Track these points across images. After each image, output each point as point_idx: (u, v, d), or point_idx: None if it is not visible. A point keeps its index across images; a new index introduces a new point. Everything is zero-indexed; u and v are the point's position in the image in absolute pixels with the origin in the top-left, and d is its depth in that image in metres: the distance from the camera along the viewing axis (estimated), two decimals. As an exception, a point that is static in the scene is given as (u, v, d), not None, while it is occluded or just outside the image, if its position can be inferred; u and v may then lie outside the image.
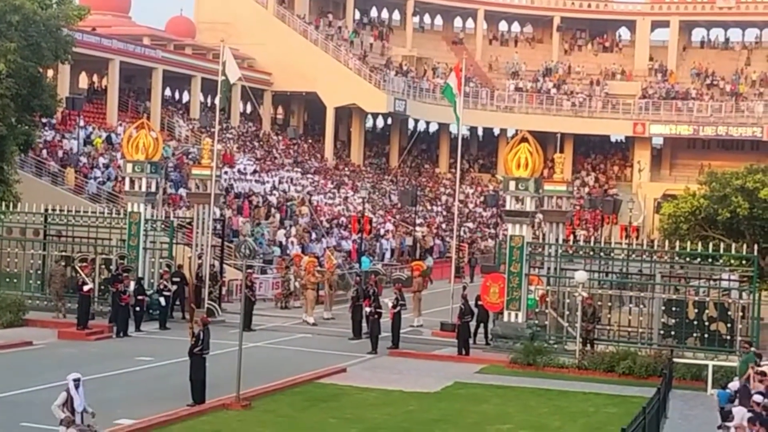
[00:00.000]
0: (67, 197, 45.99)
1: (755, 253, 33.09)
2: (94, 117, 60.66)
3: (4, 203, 39.40)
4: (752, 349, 26.86)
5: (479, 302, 35.54)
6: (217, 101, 45.00)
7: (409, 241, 62.05)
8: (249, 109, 75.79)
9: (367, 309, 34.30)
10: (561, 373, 30.96)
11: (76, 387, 18.52)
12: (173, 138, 63.01)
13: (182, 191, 50.73)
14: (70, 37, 43.60)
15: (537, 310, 35.24)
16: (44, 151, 50.97)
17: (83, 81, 67.21)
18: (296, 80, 74.56)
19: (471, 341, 34.39)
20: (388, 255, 59.03)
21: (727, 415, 19.72)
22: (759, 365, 23.80)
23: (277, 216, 56.25)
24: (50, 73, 55.89)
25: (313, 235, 54.99)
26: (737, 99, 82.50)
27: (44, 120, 50.48)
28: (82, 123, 55.45)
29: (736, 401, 20.66)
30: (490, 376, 30.66)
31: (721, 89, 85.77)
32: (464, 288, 36.64)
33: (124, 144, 40.55)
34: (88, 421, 18.48)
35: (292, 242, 52.50)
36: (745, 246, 33.86)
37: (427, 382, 28.81)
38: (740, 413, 18.79)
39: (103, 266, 37.90)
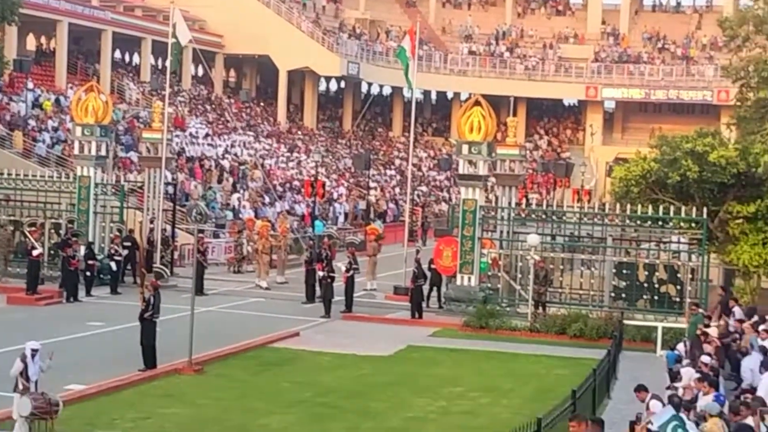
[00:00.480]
0: (15, 161, 45.43)
1: (704, 216, 33.46)
2: (43, 79, 59.93)
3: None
4: (700, 310, 27.19)
5: (432, 266, 35.68)
6: (167, 64, 44.55)
7: (362, 205, 62.05)
8: (201, 72, 75.07)
9: (321, 273, 34.29)
10: (513, 336, 31.18)
11: (33, 356, 18.49)
12: (123, 101, 62.37)
13: (133, 155, 50.28)
14: (17, -4, 43.04)
15: (490, 273, 35.41)
16: (-7, 114, 50.39)
17: (31, 43, 66.27)
18: (248, 43, 73.90)
19: (424, 305, 34.55)
20: (341, 219, 58.99)
21: (675, 376, 19.94)
22: (707, 326, 24.12)
23: (230, 180, 56.03)
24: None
25: (266, 199, 54.85)
26: (688, 63, 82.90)
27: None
28: (30, 85, 54.80)
29: (684, 362, 20.90)
30: (442, 339, 30.82)
31: (672, 53, 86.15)
32: (417, 252, 36.79)
33: (74, 107, 40.21)
34: (48, 394, 18.50)
35: (245, 206, 52.33)
36: (694, 209, 34.17)
37: (380, 346, 28.92)
38: (688, 374, 19.02)
39: (52, 231, 37.66)
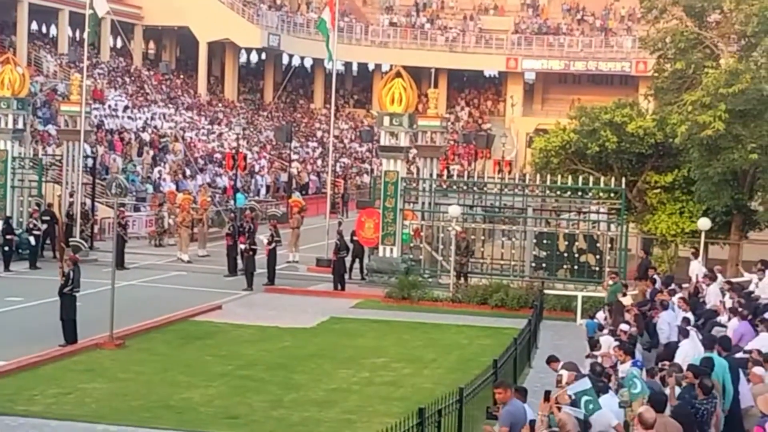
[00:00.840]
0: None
1: (623, 186, 33.89)
2: (-43, 52, 58.81)
3: None
4: (619, 279, 27.55)
5: (354, 238, 35.77)
6: (85, 36, 43.92)
7: (284, 177, 61.86)
8: (119, 44, 74.06)
9: (243, 246, 34.22)
10: (435, 307, 31.39)
11: None
12: (41, 73, 61.39)
13: (51, 128, 49.63)
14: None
15: (411, 244, 35.62)
16: None
17: (-55, 15, 65.00)
18: (168, 14, 73.11)
19: (346, 276, 34.65)
20: (263, 191, 58.85)
21: (595, 344, 20.15)
22: (625, 295, 24.47)
23: (150, 153, 55.50)
24: None
25: (188, 172, 54.46)
26: (606, 34, 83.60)
27: None
28: (-56, 58, 53.78)
29: (604, 330, 21.18)
30: (365, 310, 30.94)
31: (591, 24, 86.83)
32: (339, 224, 36.81)
33: (-10, 80, 39.61)
34: None
35: (166, 179, 51.92)
36: (613, 179, 34.61)
37: (302, 318, 28.99)
38: (607, 342, 19.27)
39: (-31, 206, 37.15)
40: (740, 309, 20.67)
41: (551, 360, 17.20)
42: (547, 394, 14.69)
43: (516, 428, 13.64)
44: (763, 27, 35.18)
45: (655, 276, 27.38)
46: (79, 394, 20.37)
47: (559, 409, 12.99)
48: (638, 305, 23.91)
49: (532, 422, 13.58)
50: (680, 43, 37.97)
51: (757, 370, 15.49)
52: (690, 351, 17.60)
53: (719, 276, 26.15)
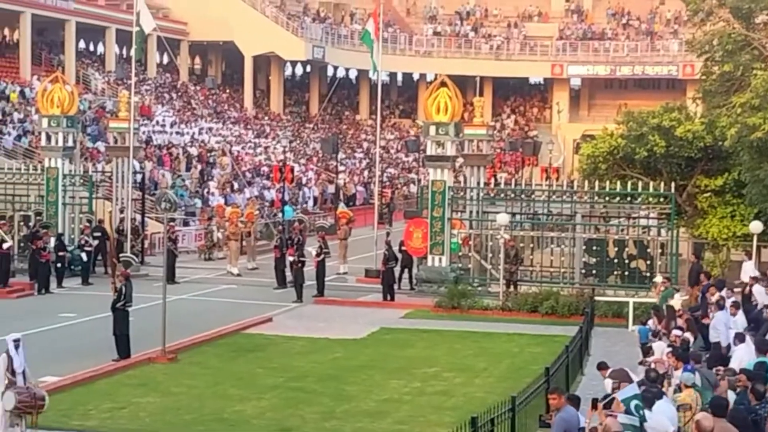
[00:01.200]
0: (-17, 154, 45.25)
1: (672, 190, 33.65)
2: (7, 71, 59.54)
3: None
4: (670, 284, 27.36)
5: (403, 248, 35.73)
6: (132, 53, 44.32)
7: (331, 188, 61.96)
8: (166, 60, 74.68)
9: (291, 258, 34.30)
10: (485, 315, 31.28)
11: (16, 348, 18.38)
12: (89, 91, 62.07)
13: (100, 145, 50.09)
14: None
15: (460, 253, 35.54)
16: (-44, 108, 50.03)
17: (-5, 35, 65.83)
18: (213, 29, 73.67)
19: (396, 287, 34.61)
20: (311, 203, 58.97)
21: (648, 351, 20.06)
22: (672, 297, 24.35)
23: (198, 167, 55.85)
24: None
25: (235, 186, 54.73)
26: (652, 38, 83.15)
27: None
28: (-6, 78, 54.51)
29: (657, 337, 21.04)
30: (415, 320, 30.90)
31: (637, 29, 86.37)
32: (387, 234, 36.80)
33: (39, 98, 40.06)
34: (29, 382, 18.44)
35: (214, 193, 52.21)
36: (662, 184, 34.36)
37: (352, 329, 28.99)
38: (660, 348, 19.15)
39: (21, 223, 37.49)
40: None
41: (601, 367, 17.14)
42: (594, 401, 14.63)
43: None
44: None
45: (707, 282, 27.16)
46: (133, 409, 20.50)
47: (614, 416, 12.91)
48: (691, 310, 23.76)
49: (581, 429, 13.52)
50: (728, 45, 37.68)
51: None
52: (745, 356, 17.45)
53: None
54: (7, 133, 49.53)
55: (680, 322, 21.26)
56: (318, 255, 34.44)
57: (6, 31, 66.62)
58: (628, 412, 13.30)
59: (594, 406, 14.37)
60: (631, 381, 15.52)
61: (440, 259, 34.88)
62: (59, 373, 22.20)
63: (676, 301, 24.70)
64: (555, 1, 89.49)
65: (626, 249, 33.15)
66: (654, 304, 24.54)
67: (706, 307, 23.36)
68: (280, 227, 40.40)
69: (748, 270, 28.24)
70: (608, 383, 15.01)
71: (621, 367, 17.15)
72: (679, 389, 15.01)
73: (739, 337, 18.53)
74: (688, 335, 19.84)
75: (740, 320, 21.41)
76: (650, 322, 23.66)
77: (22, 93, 55.72)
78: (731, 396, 14.58)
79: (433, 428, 17.64)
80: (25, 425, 18.26)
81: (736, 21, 38.11)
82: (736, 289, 27.02)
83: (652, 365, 17.84)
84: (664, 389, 15.05)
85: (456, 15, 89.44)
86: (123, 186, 39.29)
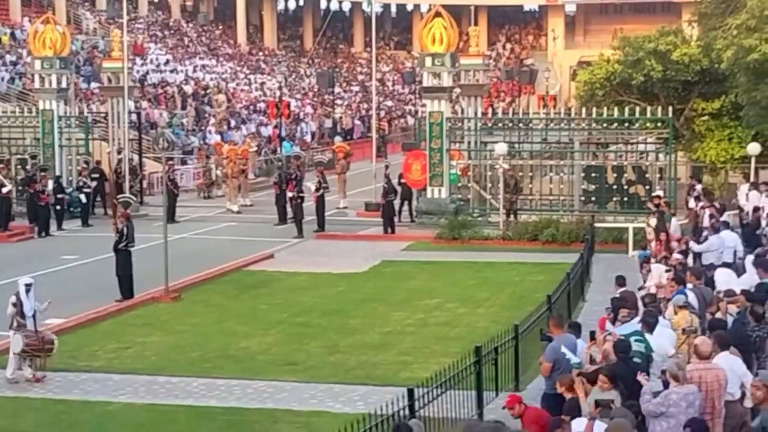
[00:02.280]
0: (-23, 99, 45.07)
1: (670, 115, 33.64)
2: (-2, 14, 59.12)
3: None
4: (668, 208, 27.41)
5: (402, 180, 35.77)
6: (124, -8, 44.03)
7: (328, 123, 61.85)
8: (158, -3, 74.31)
9: (291, 194, 34.32)
10: (486, 245, 31.39)
11: (27, 292, 18.50)
12: (81, 31, 61.58)
13: (94, 85, 49.84)
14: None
15: (459, 184, 35.56)
16: (-52, 52, 49.77)
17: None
18: (203, -35, 73.15)
19: (396, 219, 34.71)
20: (308, 138, 58.84)
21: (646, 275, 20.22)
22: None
23: (194, 105, 55.67)
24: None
25: (232, 123, 54.61)
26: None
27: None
28: (-15, 21, 54.14)
29: (653, 260, 21.11)
30: (416, 252, 31.04)
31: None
32: (386, 167, 36.80)
33: (31, 40, 39.88)
34: (39, 322, 18.64)
35: (211, 131, 52.09)
36: (660, 109, 34.37)
37: (354, 263, 29.11)
38: (658, 270, 19.27)
39: (18, 167, 37.46)
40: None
41: (618, 282, 17.34)
42: (593, 334, 14.83)
43: (560, 363, 13.74)
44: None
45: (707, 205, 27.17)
46: (138, 348, 20.68)
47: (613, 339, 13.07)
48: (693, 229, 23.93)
49: (568, 361, 13.69)
50: (724, -34, 37.50)
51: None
52: (726, 278, 17.57)
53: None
54: (3, 77, 49.32)
55: (676, 245, 21.42)
56: (317, 190, 34.48)
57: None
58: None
59: (592, 338, 14.56)
60: (636, 308, 15.69)
61: (440, 191, 34.93)
62: (64, 314, 22.29)
63: (674, 226, 24.83)
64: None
65: (625, 175, 33.22)
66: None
67: (700, 231, 23.45)
68: (279, 163, 40.37)
69: (753, 197, 28.12)
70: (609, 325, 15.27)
71: (632, 291, 17.37)
72: (674, 312, 15.15)
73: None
74: (686, 260, 19.97)
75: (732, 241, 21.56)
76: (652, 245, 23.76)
77: (12, 35, 55.34)
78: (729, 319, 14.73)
79: (438, 358, 17.79)
80: (35, 367, 18.49)
81: (732, -59, 37.82)
82: (733, 212, 27.16)
83: (652, 289, 18.00)
84: (663, 313, 15.18)
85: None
86: (119, 126, 39.20)
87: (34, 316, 18.49)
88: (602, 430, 10.10)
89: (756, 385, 11.04)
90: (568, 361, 13.68)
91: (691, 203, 29.45)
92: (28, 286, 18.60)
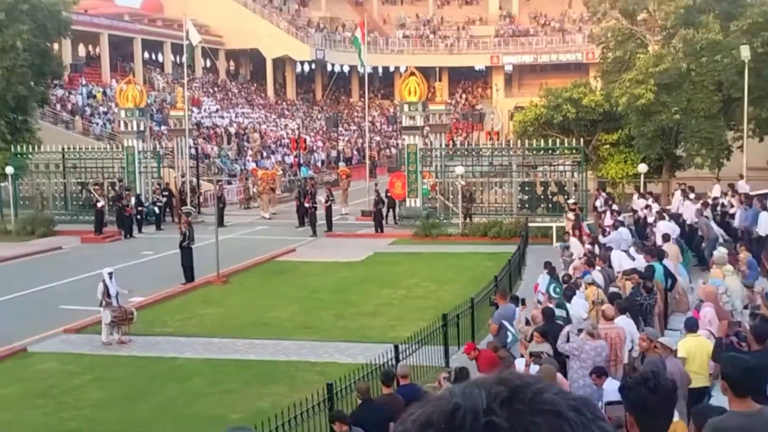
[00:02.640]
0: (78, 138, 44.93)
1: (581, 144, 33.73)
2: (93, 77, 58.94)
3: (30, 146, 38.45)
4: (581, 213, 27.44)
5: (388, 194, 35.78)
6: (184, 59, 44.01)
7: (333, 153, 61.84)
8: (209, 63, 74.04)
9: (307, 204, 34.33)
10: (450, 240, 31.45)
11: (110, 278, 18.53)
12: (154, 89, 61.41)
13: (164, 128, 49.76)
14: (68, 18, 42.19)
15: (429, 196, 35.57)
16: (57, 105, 49.57)
17: (81, 50, 64.97)
18: (242, 39, 72.82)
19: (384, 222, 34.70)
20: (319, 164, 58.78)
21: (566, 262, 20.27)
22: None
23: (236, 141, 55.62)
24: (56, 46, 53.98)
25: (264, 154, 54.55)
26: (563, 33, 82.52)
27: (55, 82, 48.98)
28: (84, 82, 54.04)
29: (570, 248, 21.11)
30: (399, 246, 31.07)
31: (552, 27, 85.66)
32: (376, 184, 36.80)
33: (117, 96, 39.82)
34: (122, 302, 18.66)
35: (248, 160, 52.03)
36: (574, 140, 34.44)
37: (354, 254, 29.13)
38: (576, 247, 19.32)
39: (109, 187, 37.41)
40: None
41: (545, 265, 17.33)
42: (523, 300, 14.85)
43: (504, 326, 13.77)
44: (678, 21, 34.77)
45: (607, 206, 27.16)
46: (198, 318, 20.69)
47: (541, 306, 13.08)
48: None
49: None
50: (618, 37, 37.64)
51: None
52: (618, 260, 17.65)
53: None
54: (96, 123, 49.21)
55: (587, 239, 21.46)
56: (326, 201, 34.47)
57: (90, 47, 65.80)
58: (551, 297, 13.52)
59: (523, 303, 14.59)
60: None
61: (415, 201, 34.97)
62: (143, 294, 22.35)
63: (585, 225, 24.82)
64: (491, 10, 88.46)
65: (549, 188, 33.28)
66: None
67: (604, 228, 23.50)
68: (298, 182, 40.29)
69: (638, 203, 28.20)
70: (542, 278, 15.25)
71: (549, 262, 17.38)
72: (585, 287, 15.21)
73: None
74: (594, 250, 20.02)
75: (627, 235, 21.58)
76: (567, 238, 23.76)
77: (104, 92, 55.27)
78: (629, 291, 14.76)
79: (416, 323, 17.81)
80: (121, 333, 18.47)
81: (624, 18, 37.97)
82: (627, 214, 27.23)
83: (570, 270, 18.05)
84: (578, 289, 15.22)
85: (419, 22, 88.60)
86: (182, 157, 39.23)
87: (117, 296, 18.52)
88: (535, 370, 10.15)
89: (642, 338, 11.10)
90: (507, 334, 13.66)
91: (599, 206, 29.48)
92: (110, 273, 18.64)
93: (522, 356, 12.02)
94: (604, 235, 21.52)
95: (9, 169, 35.51)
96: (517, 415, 1.00)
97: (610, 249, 19.03)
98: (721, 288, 13.79)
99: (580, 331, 12.00)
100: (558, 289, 13.50)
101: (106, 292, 18.37)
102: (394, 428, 1.09)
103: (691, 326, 11.24)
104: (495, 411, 1.01)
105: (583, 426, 1.01)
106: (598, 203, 29.93)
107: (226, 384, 15.61)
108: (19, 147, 37.75)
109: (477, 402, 1.02)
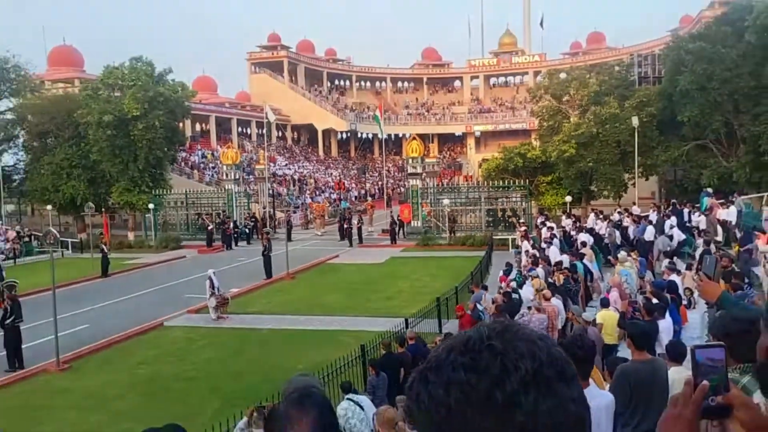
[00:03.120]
0: (195, 184, 45.14)
1: (527, 184, 33.54)
2: (204, 144, 59.40)
3: (164, 190, 38.74)
4: (527, 229, 27.14)
5: (399, 217, 35.67)
6: (264, 131, 44.23)
7: (363, 191, 61.80)
8: (280, 133, 74.37)
9: (346, 225, 34.26)
10: (441, 248, 31.26)
11: (214, 275, 18.55)
12: (244, 151, 61.69)
13: (251, 177, 50.00)
14: (189, 105, 42.63)
15: (427, 219, 35.45)
16: (182, 163, 49.90)
17: (198, 127, 65.65)
18: (301, 117, 73.26)
19: (397, 237, 34.57)
20: (353, 198, 58.74)
21: (520, 262, 20.02)
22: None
23: (298, 185, 55.72)
24: (181, 124, 54.49)
25: (316, 193, 54.61)
26: (513, 110, 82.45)
27: (181, 148, 49.38)
28: (199, 147, 54.44)
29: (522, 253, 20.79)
30: (407, 252, 30.89)
31: (506, 106, 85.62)
32: (391, 212, 36.68)
33: (221, 156, 40.08)
34: (224, 294, 18.63)
35: (306, 197, 52.10)
36: (522, 181, 34.26)
37: (377, 258, 29.02)
38: (525, 247, 19.05)
39: (216, 216, 37.53)
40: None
41: (505, 265, 17.04)
42: (486, 287, 14.60)
43: (478, 306, 13.64)
44: (590, 101, 34.77)
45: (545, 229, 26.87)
46: (275, 303, 20.60)
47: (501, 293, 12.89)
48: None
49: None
50: (550, 112, 37.61)
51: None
52: (553, 254, 17.40)
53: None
54: (207, 174, 49.47)
55: (528, 246, 21.23)
56: (358, 223, 34.42)
57: (203, 125, 66.39)
58: (510, 283, 13.21)
59: (486, 288, 14.29)
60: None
61: (417, 222, 34.82)
62: (239, 286, 22.34)
63: (519, 236, 24.41)
64: (466, 95, 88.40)
65: (506, 213, 33.08)
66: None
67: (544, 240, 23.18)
68: (340, 211, 40.23)
69: (566, 222, 27.84)
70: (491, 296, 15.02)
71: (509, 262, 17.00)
72: (532, 279, 15.04)
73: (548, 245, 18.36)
74: (535, 252, 19.77)
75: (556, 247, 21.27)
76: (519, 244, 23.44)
77: (212, 154, 55.63)
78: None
79: (419, 304, 17.71)
80: (221, 312, 18.43)
81: (554, 99, 37.95)
82: (559, 229, 26.90)
83: (521, 268, 17.82)
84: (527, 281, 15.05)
85: (418, 104, 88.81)
86: (263, 196, 39.29)
87: (218, 288, 18.52)
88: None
89: (569, 314, 10.95)
90: (479, 312, 13.51)
91: (539, 224, 29.20)
92: (214, 273, 18.66)
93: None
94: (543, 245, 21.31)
95: (151, 206, 35.84)
96: (507, 341, 1.07)
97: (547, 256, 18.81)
98: (623, 277, 13.61)
99: (528, 308, 11.87)
100: (517, 294, 13.35)
101: (212, 285, 18.40)
102: (430, 354, 1.12)
103: (604, 304, 11.10)
104: (492, 338, 1.07)
105: (546, 348, 1.07)
106: (539, 221, 29.72)
107: (293, 345, 15.54)
108: (157, 191, 38.08)
109: (482, 333, 1.09)
